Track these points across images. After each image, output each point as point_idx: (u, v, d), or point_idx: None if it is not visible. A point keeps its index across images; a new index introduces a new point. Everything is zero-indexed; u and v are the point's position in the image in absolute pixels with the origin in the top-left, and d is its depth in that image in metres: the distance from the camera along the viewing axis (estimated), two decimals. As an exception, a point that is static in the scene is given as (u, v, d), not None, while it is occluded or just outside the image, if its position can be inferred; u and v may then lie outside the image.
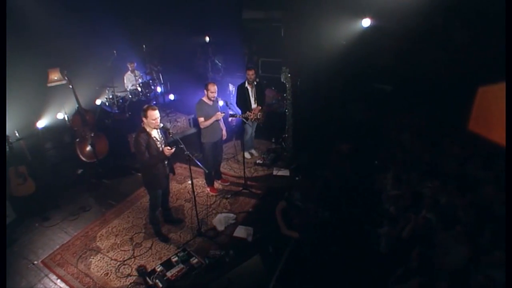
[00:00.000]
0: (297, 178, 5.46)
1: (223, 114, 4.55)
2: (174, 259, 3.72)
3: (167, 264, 3.66)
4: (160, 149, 3.46)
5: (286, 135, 6.14)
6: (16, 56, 5.59)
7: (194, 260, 3.70)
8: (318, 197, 4.83)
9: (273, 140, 6.62)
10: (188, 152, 3.51)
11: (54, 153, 6.47)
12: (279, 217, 3.81)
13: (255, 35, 9.12)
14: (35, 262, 3.85)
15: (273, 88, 7.82)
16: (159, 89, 8.39)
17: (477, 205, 3.88)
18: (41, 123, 6.28)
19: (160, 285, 3.33)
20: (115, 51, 6.75)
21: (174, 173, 4.01)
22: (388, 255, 3.77)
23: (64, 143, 6.64)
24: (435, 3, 6.01)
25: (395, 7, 6.29)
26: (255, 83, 5.54)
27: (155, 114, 3.32)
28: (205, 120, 4.44)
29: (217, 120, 4.62)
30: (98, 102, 7.23)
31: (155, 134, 3.49)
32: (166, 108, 7.85)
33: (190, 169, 3.79)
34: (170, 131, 3.61)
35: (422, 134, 6.19)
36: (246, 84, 5.48)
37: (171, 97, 8.80)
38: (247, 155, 6.17)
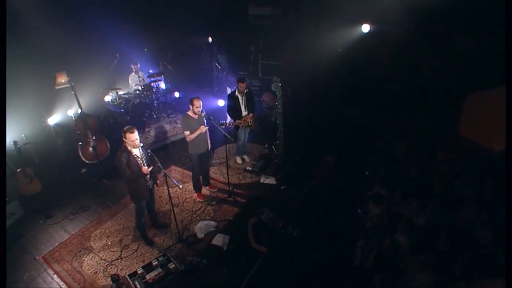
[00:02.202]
0: (282, 187, 5.86)
1: (207, 128, 4.97)
2: (155, 263, 4.28)
3: (148, 267, 4.23)
4: (141, 165, 3.95)
5: (278, 142, 6.51)
6: (25, 61, 6.25)
7: (171, 265, 4.24)
8: (297, 210, 5.23)
9: (266, 146, 7.01)
10: (164, 171, 4.01)
11: (66, 148, 7.12)
12: (250, 232, 4.25)
13: (261, 32, 9.31)
14: (37, 258, 4.54)
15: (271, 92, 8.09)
16: (163, 86, 8.91)
17: (456, 229, 3.95)
18: (52, 120, 6.99)
19: (139, 287, 3.91)
20: (117, 54, 7.26)
21: (157, 185, 4.52)
22: (363, 269, 4.05)
23: (74, 140, 7.34)
24: (436, 8, 5.99)
25: (394, 13, 6.33)
26: (246, 91, 5.89)
27: (133, 136, 3.81)
28: (191, 133, 4.88)
29: (205, 132, 5.07)
30: (106, 99, 7.86)
31: (136, 152, 3.98)
32: (168, 108, 8.37)
33: (167, 184, 4.24)
34: (149, 150, 4.09)
35: (418, 144, 6.33)
36: (237, 93, 5.84)
37: (176, 94, 9.30)
38: (239, 160, 6.63)
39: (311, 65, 7.10)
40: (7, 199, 5.12)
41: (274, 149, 6.67)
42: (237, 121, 5.85)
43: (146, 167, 3.93)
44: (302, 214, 5.13)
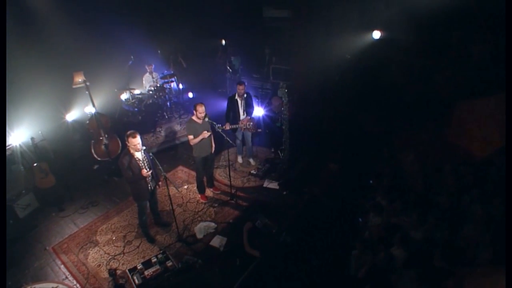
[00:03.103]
0: (284, 193, 6.00)
1: (209, 133, 5.19)
2: (154, 260, 4.55)
3: (147, 264, 4.50)
4: (142, 168, 4.22)
5: (283, 148, 6.65)
6: (46, 61, 6.71)
7: (169, 263, 4.50)
8: (297, 216, 5.36)
9: (273, 150, 7.16)
10: (164, 174, 4.27)
11: (81, 144, 7.53)
12: (245, 235, 4.42)
13: (275, 34, 9.44)
14: (47, 248, 4.92)
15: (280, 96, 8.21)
16: (181, 86, 9.23)
17: (455, 246, 3.95)
18: (70, 117, 7.45)
19: (137, 281, 4.19)
20: (132, 56, 7.63)
21: (159, 186, 4.78)
22: (355, 280, 4.12)
23: (88, 137, 7.79)
24: (451, 15, 5.91)
25: (406, 19, 6.30)
26: (245, 95, 6.08)
27: (135, 141, 4.08)
28: (194, 137, 5.12)
29: (209, 136, 5.30)
30: (123, 97, 8.26)
31: (138, 155, 4.25)
32: (180, 109, 8.69)
33: (167, 186, 4.50)
34: (151, 154, 4.35)
35: (426, 155, 6.29)
36: (236, 97, 6.06)
37: (190, 95, 9.61)
38: (240, 159, 6.91)
39: (320, 70, 7.18)
40: (23, 191, 5.57)
41: (280, 154, 6.82)
42: (233, 125, 6.07)
43: (146, 170, 4.20)
44: (301, 221, 5.27)
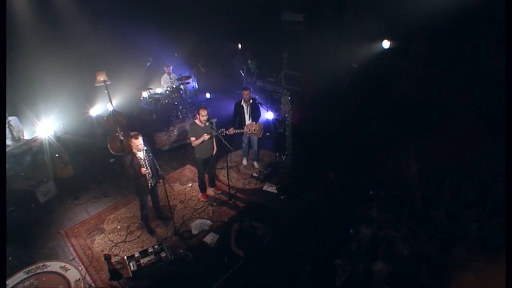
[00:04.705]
0: (282, 197, 6.34)
1: (208, 136, 5.63)
2: (150, 250, 5.08)
3: (144, 253, 5.04)
4: (142, 166, 4.76)
5: (286, 153, 6.99)
6: (72, 61, 7.51)
7: (163, 254, 5.01)
8: (290, 221, 5.68)
9: (277, 154, 7.50)
10: (162, 173, 4.78)
11: (102, 138, 8.29)
12: (232, 235, 4.84)
13: (293, 38, 9.69)
14: (60, 231, 5.62)
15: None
16: (196, 85, 9.80)
17: (442, 264, 4.01)
18: (94, 112, 8.24)
19: (132, 268, 4.75)
20: (150, 58, 8.29)
21: (159, 183, 5.31)
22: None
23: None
24: (466, 25, 5.91)
25: (417, 29, 6.36)
26: (250, 101, 6.47)
27: (138, 142, 4.62)
28: (195, 139, 5.60)
29: (209, 139, 5.75)
30: (144, 95, 8.95)
31: (140, 154, 4.79)
32: (194, 109, 9.24)
33: (165, 189, 5.03)
34: (150, 154, 4.87)
35: (431, 169, 6.34)
36: (242, 102, 6.46)
37: (207, 95, 10.17)
38: (245, 161, 7.33)
39: (329, 77, 7.40)
40: (45, 179, 6.34)
41: (284, 159, 7.16)
42: (238, 130, 6.47)
43: (145, 169, 4.73)
44: (294, 226, 5.58)
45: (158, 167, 4.80)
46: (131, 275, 4.66)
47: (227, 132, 6.06)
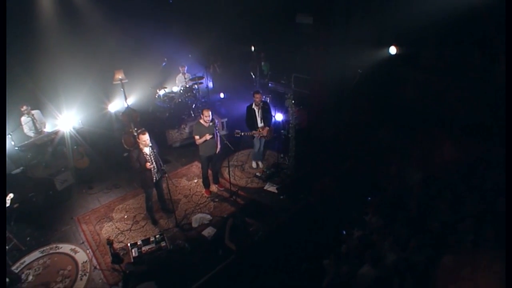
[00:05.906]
0: (281, 197, 6.64)
1: (210, 136, 6.00)
2: (151, 239, 5.54)
3: (146, 241, 5.50)
4: (147, 161, 5.21)
5: (290, 154, 7.27)
6: (90, 61, 8.14)
7: (163, 244, 5.44)
8: (287, 220, 5.96)
9: (281, 155, 7.80)
10: (164, 168, 5.23)
11: (119, 133, 8.90)
12: (227, 230, 5.20)
13: (307, 40, 9.89)
14: (73, 217, 6.19)
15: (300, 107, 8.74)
16: (210, 84, 10.25)
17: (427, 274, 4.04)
18: (112, 108, 8.86)
19: (134, 254, 5.22)
20: (165, 58, 8.80)
21: (164, 177, 5.76)
22: None
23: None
24: (474, 30, 5.94)
25: (425, 35, 6.44)
26: (261, 104, 6.78)
27: (144, 137, 5.06)
28: (199, 138, 6.01)
29: (212, 138, 6.14)
30: (160, 92, 9.49)
31: (147, 150, 5.24)
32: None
33: (167, 182, 5.48)
34: (154, 150, 5.31)
35: (435, 178, 6.42)
36: (253, 106, 6.78)
37: (221, 95, 10.59)
38: (254, 164, 7.62)
39: (337, 81, 7.60)
40: (63, 168, 6.96)
41: (287, 160, 7.44)
42: (253, 132, 6.80)
43: (149, 164, 5.18)
44: (288, 225, 5.86)
45: (161, 162, 5.24)
46: (132, 260, 5.13)
47: (243, 133, 6.52)
